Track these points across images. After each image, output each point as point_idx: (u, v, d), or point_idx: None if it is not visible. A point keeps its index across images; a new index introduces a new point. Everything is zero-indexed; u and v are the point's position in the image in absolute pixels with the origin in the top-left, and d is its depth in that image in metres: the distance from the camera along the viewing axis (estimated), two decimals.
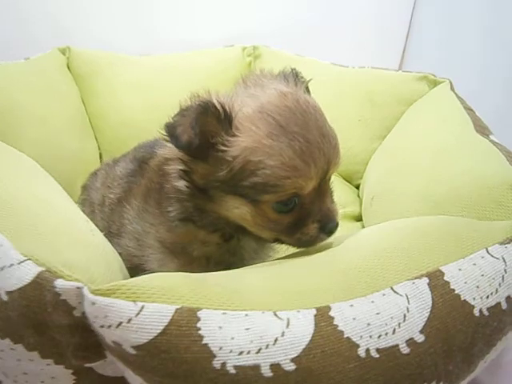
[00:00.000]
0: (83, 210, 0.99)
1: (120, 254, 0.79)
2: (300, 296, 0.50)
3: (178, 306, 0.45)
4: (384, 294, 0.51)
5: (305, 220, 0.62)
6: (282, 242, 0.66)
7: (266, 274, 0.56)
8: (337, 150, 0.61)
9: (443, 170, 0.87)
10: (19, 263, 0.46)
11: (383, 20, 1.88)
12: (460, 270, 0.54)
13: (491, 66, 1.54)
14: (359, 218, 1.19)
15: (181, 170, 0.64)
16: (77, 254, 0.50)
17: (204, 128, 0.56)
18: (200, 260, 0.70)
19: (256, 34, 1.76)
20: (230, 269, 0.71)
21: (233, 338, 0.44)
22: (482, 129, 0.97)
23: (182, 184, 0.65)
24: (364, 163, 1.34)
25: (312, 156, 0.57)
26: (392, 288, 0.51)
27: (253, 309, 0.47)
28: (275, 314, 0.47)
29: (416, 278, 0.52)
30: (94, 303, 0.44)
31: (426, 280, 0.52)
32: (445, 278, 0.53)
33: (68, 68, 1.49)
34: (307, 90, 0.72)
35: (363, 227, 1.12)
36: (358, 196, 1.33)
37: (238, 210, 0.61)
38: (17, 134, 0.99)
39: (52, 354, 0.49)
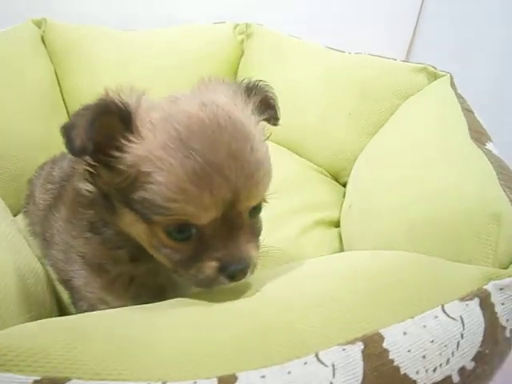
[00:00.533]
0: (27, 208, 0.91)
1: (52, 266, 0.72)
2: (198, 363, 0.41)
3: (36, 378, 0.37)
4: (306, 363, 0.42)
5: (202, 255, 0.52)
6: (181, 275, 0.56)
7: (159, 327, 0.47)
8: (254, 180, 0.52)
9: (425, 186, 0.76)
10: None
11: (392, 5, 1.72)
12: (405, 333, 0.45)
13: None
14: (338, 224, 1.09)
15: (86, 169, 0.55)
16: None
17: (103, 130, 0.49)
18: (122, 280, 0.62)
19: (250, 10, 1.63)
20: (164, 292, 0.64)
21: None
22: (478, 135, 0.85)
23: (82, 186, 0.58)
24: (352, 160, 1.23)
25: (208, 181, 0.48)
26: (317, 355, 0.43)
27: (135, 379, 0.39)
28: None
29: (348, 343, 0.43)
30: None
31: (360, 346, 0.43)
32: (384, 344, 0.44)
33: (43, 42, 1.39)
34: (266, 106, 0.63)
35: (339, 236, 1.03)
36: (344, 197, 1.23)
37: (134, 228, 0.54)
38: None
39: None
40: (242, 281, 0.54)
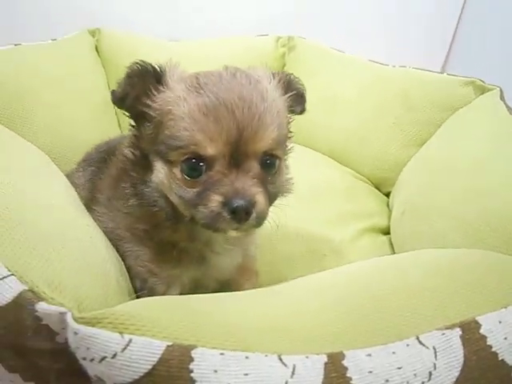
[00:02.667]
0: None
1: None
2: (309, 338, 0.44)
3: (169, 343, 0.39)
4: (408, 345, 0.44)
5: (210, 191, 0.57)
6: (195, 220, 0.60)
7: (268, 306, 0.50)
8: (260, 122, 0.58)
9: (478, 189, 0.79)
10: (2, 278, 0.42)
11: (429, 18, 1.76)
12: (500, 322, 0.47)
13: None
14: (387, 231, 1.11)
15: (133, 135, 0.66)
16: (67, 271, 0.46)
17: (139, 84, 0.61)
18: (165, 246, 0.68)
19: (292, 23, 1.68)
20: (204, 259, 0.70)
21: None
22: None
23: (128, 151, 0.67)
24: (396, 170, 1.25)
25: (217, 113, 0.56)
26: (418, 338, 0.45)
27: (256, 350, 0.41)
28: (280, 359, 0.41)
29: (447, 329, 0.45)
30: (76, 333, 0.39)
31: (458, 331, 0.45)
32: (481, 330, 0.46)
33: (96, 50, 1.45)
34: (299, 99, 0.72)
35: (390, 242, 1.05)
36: (388, 206, 1.25)
37: (160, 175, 0.62)
38: (26, 121, 0.96)
39: (34, 377, 0.44)
40: (247, 224, 0.58)
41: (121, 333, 0.39)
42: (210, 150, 0.56)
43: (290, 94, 0.68)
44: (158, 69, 0.62)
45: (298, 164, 1.29)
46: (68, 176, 0.83)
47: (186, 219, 0.63)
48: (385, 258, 0.66)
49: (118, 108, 0.66)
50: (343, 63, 1.48)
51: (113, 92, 0.63)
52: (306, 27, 1.65)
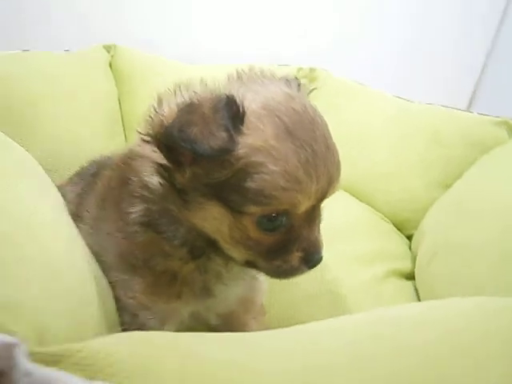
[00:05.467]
0: None
1: None
2: None
3: None
4: None
5: (290, 246, 0.53)
6: (255, 267, 0.56)
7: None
8: (339, 168, 0.54)
9: None
10: None
11: (455, 56, 1.71)
12: None
13: None
14: (410, 277, 0.99)
15: (159, 163, 0.53)
16: (30, 289, 0.35)
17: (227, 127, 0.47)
18: (166, 277, 0.58)
19: (314, 54, 1.63)
20: (209, 292, 0.60)
21: None
22: None
23: (155, 181, 0.55)
24: (420, 211, 1.14)
25: (317, 170, 0.50)
26: None
27: None
28: None
29: None
30: (27, 374, 0.28)
31: None
32: None
33: (110, 66, 1.40)
34: None
35: (415, 289, 0.93)
36: (410, 249, 1.14)
37: (215, 221, 0.52)
38: (33, 127, 0.89)
39: None
40: None
41: (90, 378, 0.29)
42: (303, 208, 0.51)
43: None
44: (236, 103, 0.49)
45: None
46: (59, 188, 0.73)
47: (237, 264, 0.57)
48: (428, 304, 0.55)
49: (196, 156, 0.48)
50: (367, 97, 1.41)
51: (198, 144, 0.45)
52: (328, 60, 1.60)
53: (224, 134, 0.46)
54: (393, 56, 1.73)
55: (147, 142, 0.52)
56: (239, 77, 0.60)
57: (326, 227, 1.03)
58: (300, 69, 1.58)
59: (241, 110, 0.49)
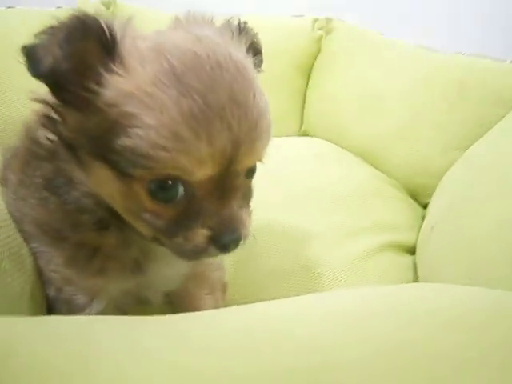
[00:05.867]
0: None
1: None
2: None
3: None
4: None
5: (191, 221, 0.44)
6: (162, 245, 0.47)
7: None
8: (257, 131, 0.44)
9: None
10: None
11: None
12: None
13: None
14: (414, 251, 0.88)
15: (45, 115, 0.45)
16: None
17: (79, 52, 0.39)
18: (84, 251, 0.51)
19: (331, 5, 1.47)
20: (139, 268, 0.53)
21: None
22: None
23: (41, 134, 0.48)
24: (437, 177, 1.01)
25: (208, 126, 0.40)
26: None
27: None
28: None
29: None
30: None
31: None
32: None
33: None
34: (255, 51, 0.54)
35: (414, 265, 0.82)
36: (424, 220, 1.01)
37: (106, 186, 0.45)
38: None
39: None
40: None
41: None
42: (197, 175, 0.42)
43: (255, 55, 0.53)
44: (109, 33, 0.41)
45: (315, 160, 1.11)
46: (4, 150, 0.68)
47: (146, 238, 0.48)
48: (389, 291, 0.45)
49: (37, 79, 0.40)
50: (386, 49, 1.26)
51: (33, 53, 0.39)
52: (346, 9, 1.44)
53: (58, 53, 0.38)
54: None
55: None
56: (176, 21, 0.52)
57: (320, 191, 0.95)
58: (316, 19, 1.44)
59: (115, 42, 0.41)
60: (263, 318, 0.39)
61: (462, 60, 1.09)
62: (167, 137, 0.39)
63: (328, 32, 1.42)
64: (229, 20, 0.53)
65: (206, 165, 0.41)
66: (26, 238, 0.54)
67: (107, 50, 0.41)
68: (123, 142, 0.40)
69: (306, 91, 1.42)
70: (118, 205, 0.46)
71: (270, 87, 1.44)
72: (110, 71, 0.41)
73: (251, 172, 0.49)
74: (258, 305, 0.42)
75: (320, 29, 1.43)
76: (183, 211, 0.44)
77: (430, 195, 1.03)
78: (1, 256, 0.47)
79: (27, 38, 0.42)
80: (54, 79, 0.40)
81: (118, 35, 0.41)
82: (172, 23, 0.53)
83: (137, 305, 0.60)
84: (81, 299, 0.54)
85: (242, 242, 0.47)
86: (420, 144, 1.07)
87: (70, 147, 0.45)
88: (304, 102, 1.40)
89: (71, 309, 0.54)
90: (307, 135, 1.35)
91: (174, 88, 0.39)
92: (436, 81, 1.09)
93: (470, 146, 0.95)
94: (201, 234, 0.44)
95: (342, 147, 1.23)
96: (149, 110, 0.39)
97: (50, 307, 0.56)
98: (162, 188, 0.42)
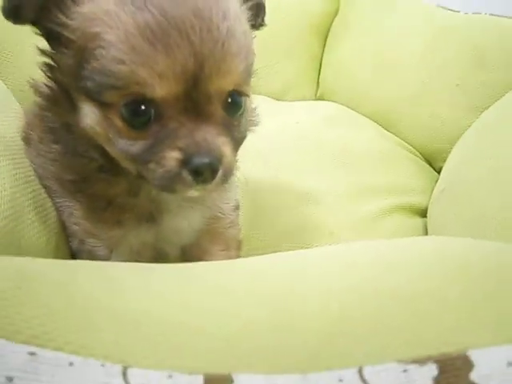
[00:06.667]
0: None
1: None
2: (181, 348, 0.28)
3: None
4: (341, 380, 0.27)
5: (162, 145, 0.44)
6: (143, 178, 0.48)
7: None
8: (224, 50, 0.43)
9: None
10: None
11: None
12: (510, 364, 0.28)
13: None
14: (425, 214, 0.89)
15: (45, 63, 0.48)
16: None
17: None
18: (100, 201, 0.54)
19: None
20: (152, 218, 0.56)
21: None
22: None
23: (41, 84, 0.50)
24: (453, 142, 1.01)
25: (165, 38, 0.41)
26: (360, 370, 0.27)
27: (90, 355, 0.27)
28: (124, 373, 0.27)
29: (413, 362, 0.28)
30: None
31: (432, 370, 0.27)
32: (472, 375, 0.27)
33: None
34: (259, 7, 0.55)
35: (425, 227, 0.84)
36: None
37: (89, 120, 0.46)
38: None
39: None
40: (212, 184, 0.46)
41: None
42: (159, 89, 0.42)
43: (250, 2, 0.52)
44: None
45: (328, 122, 1.11)
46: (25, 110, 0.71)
47: (131, 175, 0.50)
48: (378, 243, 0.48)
49: (13, 23, 0.45)
50: (404, 8, 1.23)
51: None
52: None
53: None
54: None
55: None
56: None
57: (331, 153, 0.96)
58: None
59: None
60: (279, 264, 0.41)
61: (482, 20, 1.07)
62: (125, 51, 0.40)
63: None
64: None
65: (167, 78, 0.42)
66: (49, 193, 0.57)
67: None
68: (92, 65, 0.42)
69: (322, 55, 1.41)
70: (101, 137, 0.47)
71: (287, 51, 1.43)
72: (75, 2, 0.43)
73: (233, 107, 0.48)
74: (274, 254, 0.45)
75: None
76: (155, 135, 0.44)
77: (444, 159, 1.03)
78: (28, 208, 0.51)
79: None
80: (20, 15, 0.44)
81: None
82: None
83: (155, 259, 0.64)
84: (102, 250, 0.57)
85: (220, 171, 0.45)
86: (438, 107, 1.06)
87: (66, 92, 0.48)
88: (320, 65, 1.40)
89: (93, 260, 0.58)
90: (323, 99, 1.35)
91: (131, 3, 0.41)
92: (453, 41, 1.07)
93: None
94: (170, 157, 0.44)
95: (358, 111, 1.22)
96: (108, 27, 0.41)
97: (74, 259, 0.60)
98: (134, 113, 0.44)
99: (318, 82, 1.39)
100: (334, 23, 1.39)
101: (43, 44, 0.48)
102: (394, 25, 1.23)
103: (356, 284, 0.35)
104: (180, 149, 0.44)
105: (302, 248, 0.73)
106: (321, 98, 1.36)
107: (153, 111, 0.44)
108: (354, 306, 0.32)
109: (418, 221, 0.86)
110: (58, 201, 0.57)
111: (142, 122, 0.44)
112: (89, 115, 0.46)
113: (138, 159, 0.46)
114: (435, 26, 1.13)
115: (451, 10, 1.14)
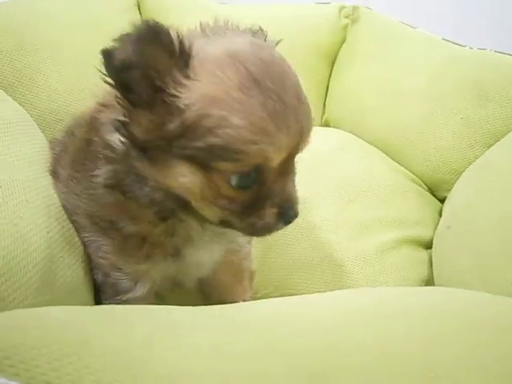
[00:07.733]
0: None
1: None
2: None
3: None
4: None
5: (263, 202, 0.52)
6: (230, 226, 0.54)
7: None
8: (311, 120, 0.53)
9: None
10: None
11: None
12: None
13: None
14: (430, 245, 0.92)
15: (117, 119, 0.49)
16: None
17: (149, 59, 0.44)
18: (134, 239, 0.57)
19: None
20: (179, 254, 0.59)
21: None
22: None
23: (115, 138, 0.52)
24: (457, 173, 1.03)
25: (287, 121, 0.48)
26: None
27: None
28: None
29: None
30: None
31: None
32: None
33: (138, 7, 1.35)
34: None
35: (430, 259, 0.86)
36: (440, 214, 1.04)
37: (184, 179, 0.49)
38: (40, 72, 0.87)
39: None
40: None
41: None
42: (275, 161, 0.49)
43: None
44: (179, 41, 0.45)
45: (335, 152, 1.13)
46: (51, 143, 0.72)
47: (211, 223, 0.55)
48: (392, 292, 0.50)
49: (110, 77, 0.45)
50: (412, 41, 1.26)
51: (109, 52, 0.43)
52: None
53: (129, 50, 0.42)
54: None
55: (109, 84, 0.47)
56: (202, 29, 0.56)
57: (338, 184, 0.98)
58: (342, 7, 1.44)
59: (186, 50, 0.45)
60: (281, 317, 0.44)
61: (486, 55, 1.10)
62: (257, 133, 0.46)
63: (354, 20, 1.42)
64: (252, 28, 0.59)
65: (283, 152, 0.49)
66: (77, 228, 0.59)
67: (179, 58, 0.45)
68: (210, 141, 0.45)
69: (329, 81, 1.43)
70: (194, 195, 0.51)
71: None
72: (187, 75, 0.45)
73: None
74: (277, 300, 0.47)
75: (346, 17, 1.43)
76: (257, 194, 0.51)
77: (448, 190, 1.05)
78: (59, 246, 0.52)
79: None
80: (125, 76, 0.44)
81: (188, 44, 0.46)
82: (193, 29, 0.56)
83: (172, 289, 0.65)
84: (126, 283, 0.59)
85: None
86: (443, 139, 1.09)
87: (142, 147, 0.49)
88: (327, 91, 1.42)
89: (117, 291, 0.60)
90: (328, 125, 1.37)
91: (256, 92, 0.46)
92: (458, 74, 1.10)
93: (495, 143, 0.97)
94: (272, 213, 0.52)
95: (363, 138, 1.25)
96: (238, 112, 0.45)
97: (97, 290, 0.62)
98: (243, 177, 0.49)
99: (323, 108, 1.41)
100: (341, 49, 1.41)
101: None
102: (399, 56, 1.25)
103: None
104: (277, 205, 0.52)
105: (311, 280, 0.75)
106: (326, 124, 1.38)
107: (257, 175, 0.50)
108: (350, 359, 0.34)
109: (423, 253, 0.89)
110: (85, 235, 0.59)
111: (246, 185, 0.50)
112: (187, 176, 0.49)
113: (238, 214, 0.52)
114: (439, 59, 1.16)
115: (457, 44, 1.17)
